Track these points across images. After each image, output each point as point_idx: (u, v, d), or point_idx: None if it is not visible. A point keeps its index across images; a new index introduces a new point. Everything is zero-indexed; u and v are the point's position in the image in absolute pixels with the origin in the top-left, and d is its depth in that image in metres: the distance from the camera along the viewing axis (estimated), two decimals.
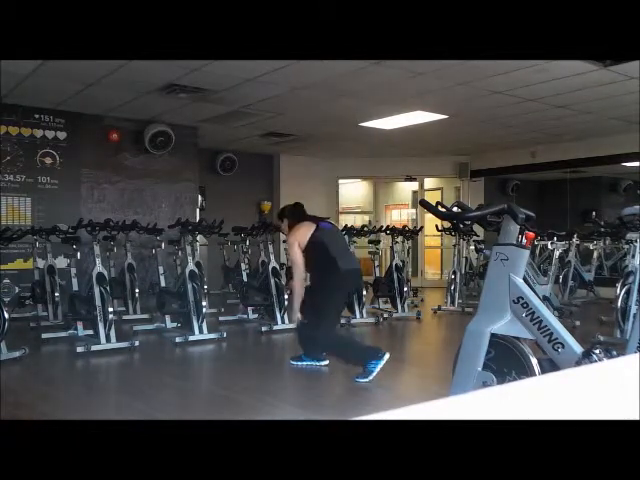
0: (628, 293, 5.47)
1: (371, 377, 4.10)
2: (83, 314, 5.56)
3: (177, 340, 5.68)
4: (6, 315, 4.69)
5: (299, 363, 4.68)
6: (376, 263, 8.00)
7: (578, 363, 2.20)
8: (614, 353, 2.27)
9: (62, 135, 7.90)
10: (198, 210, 9.17)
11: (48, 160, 7.82)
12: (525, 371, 2.34)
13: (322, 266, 4.42)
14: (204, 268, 7.66)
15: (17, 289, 7.18)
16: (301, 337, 4.67)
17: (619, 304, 5.50)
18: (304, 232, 4.50)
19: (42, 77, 6.29)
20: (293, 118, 8.37)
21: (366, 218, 12.77)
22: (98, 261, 5.48)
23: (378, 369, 4.13)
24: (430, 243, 12.65)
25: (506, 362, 2.38)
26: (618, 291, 5.60)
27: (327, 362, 4.65)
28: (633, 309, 5.15)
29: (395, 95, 7.07)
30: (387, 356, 4.18)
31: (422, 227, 10.06)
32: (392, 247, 7.87)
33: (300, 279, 4.50)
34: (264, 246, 7.13)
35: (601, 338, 5.30)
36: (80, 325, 5.73)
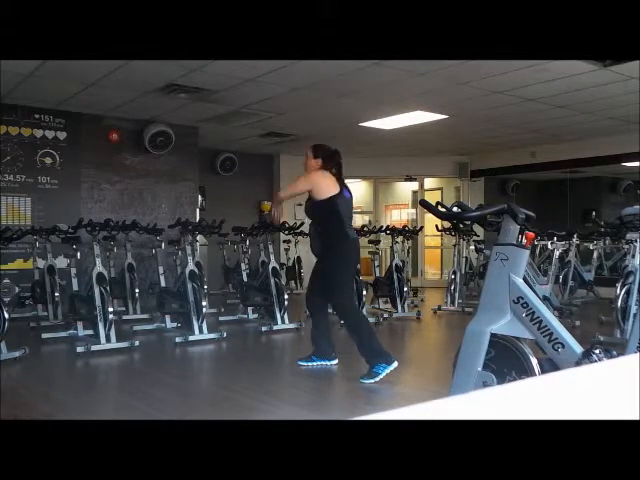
0: (628, 293, 5.47)
1: (377, 379, 4.10)
2: (83, 314, 5.56)
3: (177, 340, 5.68)
4: (6, 315, 4.69)
5: (309, 363, 4.61)
6: (376, 263, 8.00)
7: (578, 363, 2.20)
8: (614, 353, 2.26)
9: (62, 135, 7.90)
10: (198, 210, 9.17)
11: (48, 160, 7.82)
12: (525, 371, 2.34)
13: (335, 233, 4.29)
14: (204, 268, 7.67)
15: (17, 289, 7.18)
16: (315, 334, 4.60)
17: (619, 304, 5.49)
18: (327, 186, 4.28)
19: (42, 77, 6.29)
20: (293, 118, 8.37)
21: (366, 218, 12.77)
22: (98, 261, 5.48)
23: (385, 374, 4.11)
24: (430, 243, 12.65)
25: (506, 362, 2.38)
26: (618, 291, 5.59)
27: (337, 361, 4.63)
28: (633, 309, 5.14)
29: (395, 95, 7.07)
30: (396, 364, 4.16)
31: (422, 227, 10.06)
32: (392, 247, 7.87)
33: (286, 194, 4.58)
34: (264, 246, 7.13)
35: (601, 338, 5.30)
36: (80, 325, 5.73)
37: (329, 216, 4.30)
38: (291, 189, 4.56)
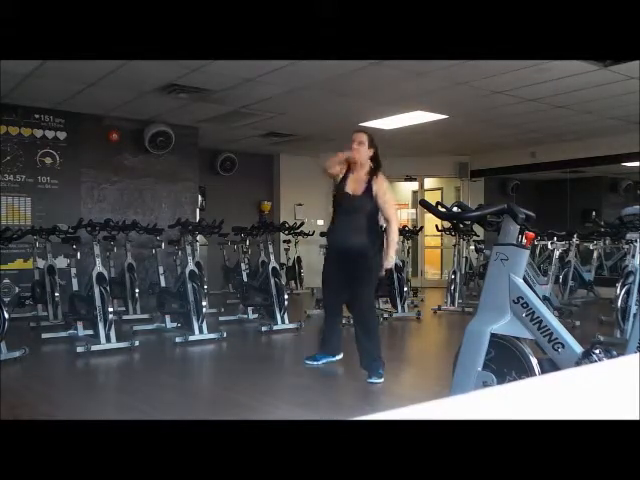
0: (628, 293, 5.46)
1: (382, 379, 4.11)
2: (83, 314, 5.56)
3: (177, 340, 5.68)
4: (6, 315, 4.69)
5: (314, 362, 4.58)
6: None
7: (578, 363, 2.20)
8: (614, 353, 2.27)
9: (62, 135, 7.90)
10: (198, 210, 9.17)
11: (48, 160, 7.82)
12: (525, 371, 2.34)
13: (381, 234, 4.31)
14: (204, 268, 7.67)
15: (17, 289, 7.19)
16: (329, 331, 4.53)
17: (619, 304, 5.49)
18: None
19: (42, 77, 6.29)
20: (293, 118, 8.37)
21: None
22: (98, 261, 5.48)
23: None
24: (430, 243, 12.64)
25: (506, 362, 2.38)
26: (618, 291, 5.59)
27: (341, 355, 4.58)
28: (633, 309, 5.14)
29: (395, 95, 7.07)
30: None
31: (422, 227, 10.06)
32: None
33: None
34: (264, 246, 7.13)
35: (601, 338, 5.30)
36: (80, 325, 5.73)
37: (378, 218, 4.35)
38: (393, 202, 4.45)
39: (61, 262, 7.04)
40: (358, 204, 4.28)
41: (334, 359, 4.60)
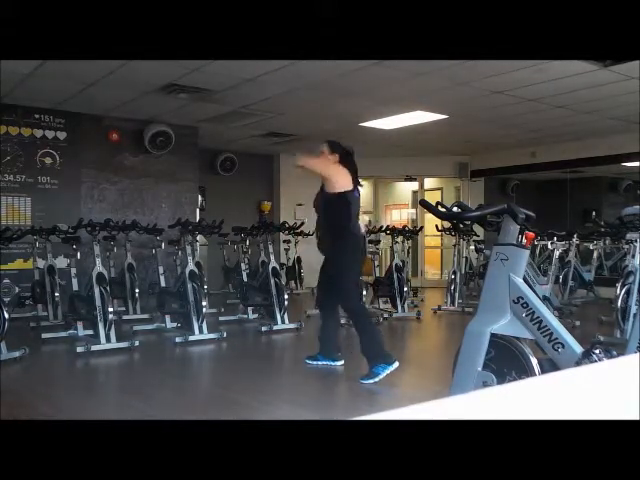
0: (628, 293, 5.46)
1: (377, 379, 4.09)
2: (83, 314, 5.56)
3: (177, 340, 5.68)
4: (6, 315, 4.69)
5: (314, 362, 4.64)
6: (376, 263, 8.00)
7: (578, 363, 2.20)
8: (614, 353, 2.27)
9: (62, 135, 7.90)
10: (198, 210, 9.17)
11: (48, 160, 7.82)
12: (525, 371, 2.34)
13: (343, 230, 4.21)
14: (204, 268, 7.67)
15: (17, 289, 7.18)
16: (322, 334, 4.61)
17: (619, 304, 5.49)
18: (344, 180, 4.25)
19: (42, 77, 6.29)
20: (293, 118, 8.37)
21: (366, 218, 12.77)
22: (98, 261, 5.48)
23: (385, 374, 4.10)
24: (430, 243, 12.65)
25: (506, 362, 2.38)
26: (618, 291, 5.59)
27: (342, 362, 4.63)
28: (633, 309, 5.14)
29: (395, 95, 7.07)
30: (397, 364, 4.13)
31: (422, 227, 10.06)
32: (392, 247, 7.87)
33: (306, 163, 4.37)
34: (264, 246, 7.13)
35: (601, 338, 5.30)
36: (80, 325, 5.73)
37: (339, 212, 4.21)
38: (311, 162, 4.31)
39: (61, 262, 7.04)
40: (317, 202, 4.52)
41: (333, 364, 4.62)
